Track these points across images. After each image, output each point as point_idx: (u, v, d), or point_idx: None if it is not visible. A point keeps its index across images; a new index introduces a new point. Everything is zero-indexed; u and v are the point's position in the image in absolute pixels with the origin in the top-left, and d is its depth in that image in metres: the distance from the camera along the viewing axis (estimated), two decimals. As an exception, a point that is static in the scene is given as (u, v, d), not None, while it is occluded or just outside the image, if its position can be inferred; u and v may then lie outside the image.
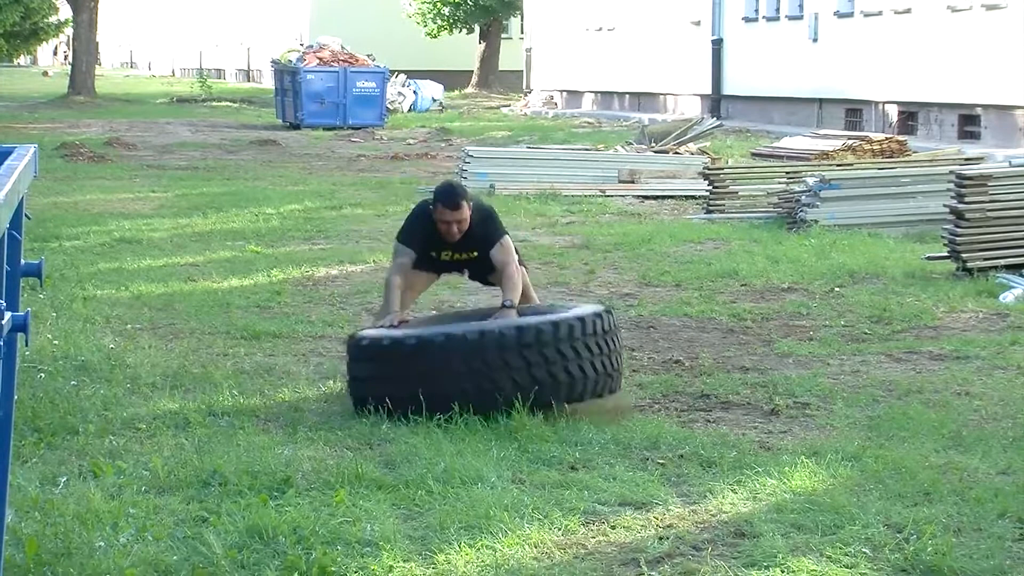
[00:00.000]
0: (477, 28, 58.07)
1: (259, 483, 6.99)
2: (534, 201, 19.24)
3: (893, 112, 30.07)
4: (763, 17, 35.57)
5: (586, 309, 8.71)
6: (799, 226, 15.92)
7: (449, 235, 8.96)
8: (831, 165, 18.98)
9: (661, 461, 7.48)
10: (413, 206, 9.65)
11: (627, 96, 42.23)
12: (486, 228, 9.09)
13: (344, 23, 53.72)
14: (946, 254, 13.12)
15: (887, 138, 23.62)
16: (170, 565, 5.91)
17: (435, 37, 57.58)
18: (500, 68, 57.55)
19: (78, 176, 23.14)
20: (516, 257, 9.14)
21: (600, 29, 43.73)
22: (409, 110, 44.63)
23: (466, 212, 8.91)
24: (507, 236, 9.20)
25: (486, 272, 9.23)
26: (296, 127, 36.06)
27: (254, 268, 13.88)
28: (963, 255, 12.87)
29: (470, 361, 8.09)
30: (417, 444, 7.59)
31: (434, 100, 46.32)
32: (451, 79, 54.21)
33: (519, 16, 54.50)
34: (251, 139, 32.01)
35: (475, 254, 9.07)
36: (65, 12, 50.52)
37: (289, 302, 12.17)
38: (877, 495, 6.84)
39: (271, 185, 22.07)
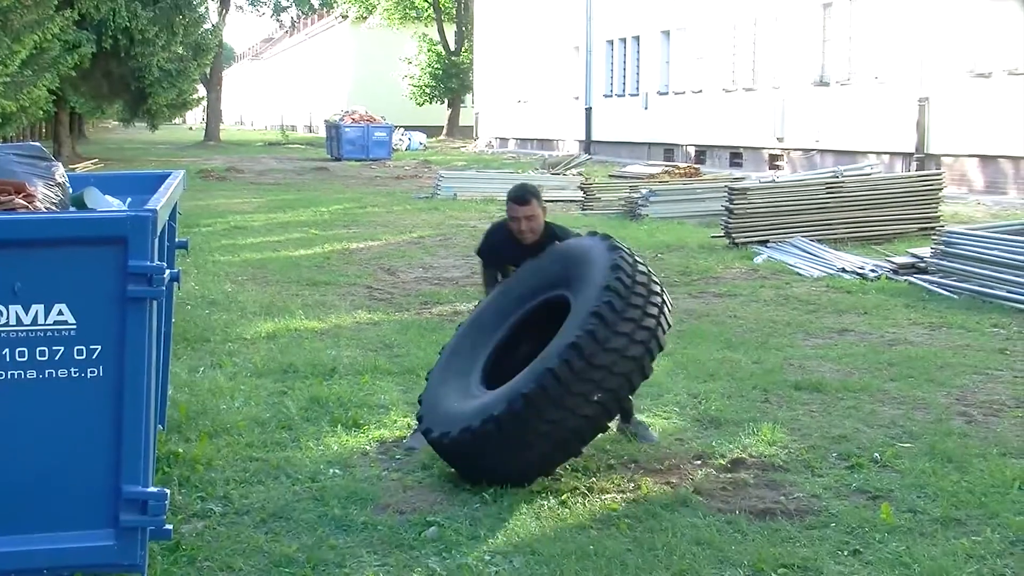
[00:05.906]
0: (446, 100, 58.08)
1: (317, 371, 6.95)
2: (480, 203, 19.19)
3: (692, 151, 30.12)
4: (615, 94, 35.46)
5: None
6: (637, 218, 15.95)
7: (520, 234, 5.49)
8: (656, 182, 18.97)
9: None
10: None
11: (535, 141, 42.03)
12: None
13: (367, 98, 53.91)
14: (723, 234, 13.18)
15: (688, 166, 23.61)
16: (264, 420, 5.88)
17: (421, 105, 57.84)
18: (460, 124, 57.27)
19: (209, 189, 22.86)
20: None
21: (519, 101, 43.56)
22: (405, 150, 44.31)
23: (536, 210, 5.49)
24: None
25: None
26: (338, 160, 35.62)
27: (314, 244, 13.76)
28: (733, 235, 12.93)
29: None
30: (412, 347, 7.56)
31: (420, 144, 45.97)
32: (431, 131, 54.14)
33: (472, 92, 54.33)
34: (312, 167, 31.68)
35: None
36: (202, 91, 50.11)
37: (335, 264, 12.08)
38: (683, 376, 6.88)
39: (323, 194, 21.84)
